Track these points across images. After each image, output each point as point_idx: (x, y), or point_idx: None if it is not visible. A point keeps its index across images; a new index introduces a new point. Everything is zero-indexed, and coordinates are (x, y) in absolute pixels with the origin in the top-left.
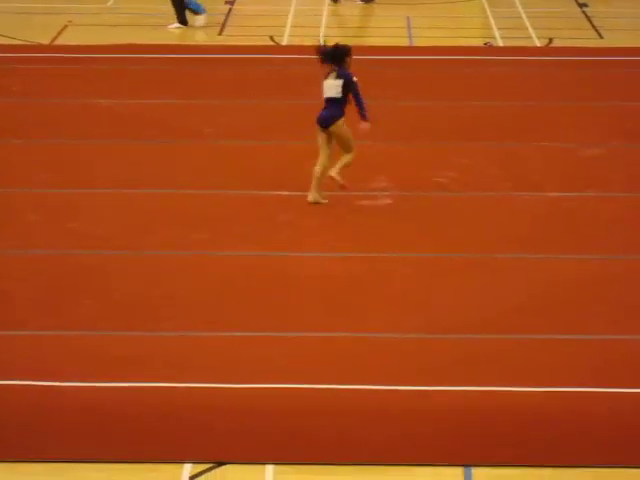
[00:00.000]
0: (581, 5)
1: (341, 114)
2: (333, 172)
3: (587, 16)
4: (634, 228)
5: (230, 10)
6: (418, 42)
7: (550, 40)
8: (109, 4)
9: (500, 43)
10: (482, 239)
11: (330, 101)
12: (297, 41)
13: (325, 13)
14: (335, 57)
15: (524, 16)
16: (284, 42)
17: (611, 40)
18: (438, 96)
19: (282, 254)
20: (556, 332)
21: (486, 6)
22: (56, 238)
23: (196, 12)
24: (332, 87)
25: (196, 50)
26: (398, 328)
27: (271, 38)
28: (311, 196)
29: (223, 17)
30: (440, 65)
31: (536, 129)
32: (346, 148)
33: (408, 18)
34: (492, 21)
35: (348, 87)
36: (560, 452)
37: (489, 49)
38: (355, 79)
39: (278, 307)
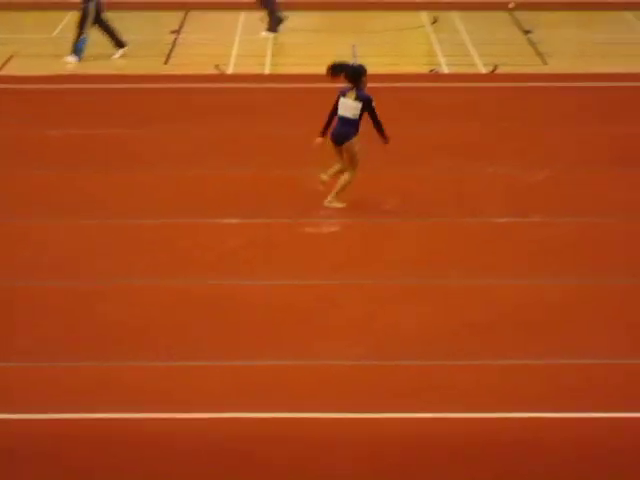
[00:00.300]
0: (526, 32)
1: (356, 132)
2: (325, 176)
3: (532, 42)
4: (580, 252)
5: (176, 39)
6: None
7: (495, 67)
8: (54, 34)
9: (445, 70)
10: (428, 265)
11: (345, 119)
12: (243, 70)
13: (271, 42)
14: (354, 76)
15: (469, 43)
16: (230, 71)
17: (556, 66)
18: (384, 122)
19: (228, 282)
20: (503, 357)
21: (431, 33)
22: None
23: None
24: (350, 108)
25: (142, 80)
26: (346, 355)
27: (216, 67)
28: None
29: (169, 47)
30: (386, 92)
31: (482, 155)
32: (350, 164)
33: (354, 46)
34: (437, 48)
35: (366, 109)
36: (510, 476)
37: (435, 76)
38: (374, 103)
39: (223, 336)
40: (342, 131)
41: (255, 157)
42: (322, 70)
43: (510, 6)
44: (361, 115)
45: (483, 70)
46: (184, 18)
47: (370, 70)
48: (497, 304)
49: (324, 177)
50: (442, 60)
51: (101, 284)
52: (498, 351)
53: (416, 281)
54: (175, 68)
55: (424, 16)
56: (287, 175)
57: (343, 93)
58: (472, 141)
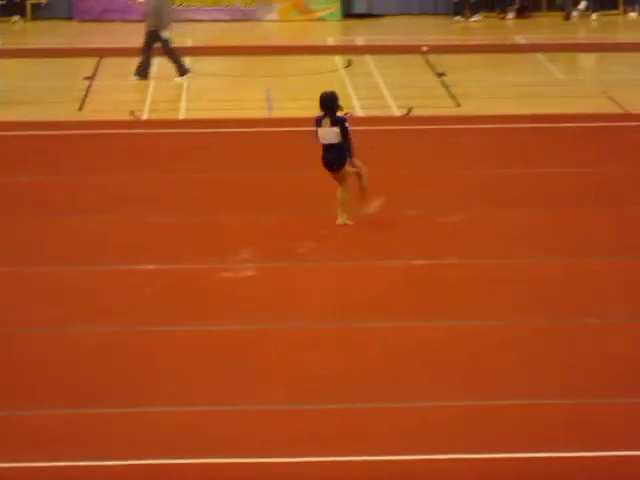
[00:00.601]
0: (439, 74)
1: (346, 156)
2: (341, 220)
3: (445, 85)
4: (492, 293)
5: (90, 86)
6: (278, 114)
7: (409, 109)
8: None
9: (360, 113)
10: (346, 308)
11: (331, 146)
12: (157, 115)
13: (185, 87)
14: (326, 105)
15: (383, 86)
16: (144, 116)
17: (468, 108)
18: (299, 166)
19: (147, 329)
20: (421, 399)
21: (345, 76)
22: None
23: None
24: (331, 134)
25: (56, 127)
26: (264, 400)
27: (131, 113)
28: (340, 219)
29: (83, 93)
30: (300, 135)
31: (395, 197)
32: (345, 185)
33: (268, 90)
34: (351, 91)
35: (344, 131)
36: None
37: (349, 119)
38: (347, 123)
39: (143, 382)
40: (334, 159)
41: (174, 203)
42: (237, 114)
43: (423, 49)
44: (345, 137)
45: (397, 112)
46: (97, 64)
47: (285, 114)
48: (414, 346)
49: (340, 221)
50: (356, 103)
51: (22, 331)
52: (417, 393)
53: (334, 324)
54: (90, 114)
55: (338, 60)
56: (205, 221)
57: (318, 122)
58: (386, 184)
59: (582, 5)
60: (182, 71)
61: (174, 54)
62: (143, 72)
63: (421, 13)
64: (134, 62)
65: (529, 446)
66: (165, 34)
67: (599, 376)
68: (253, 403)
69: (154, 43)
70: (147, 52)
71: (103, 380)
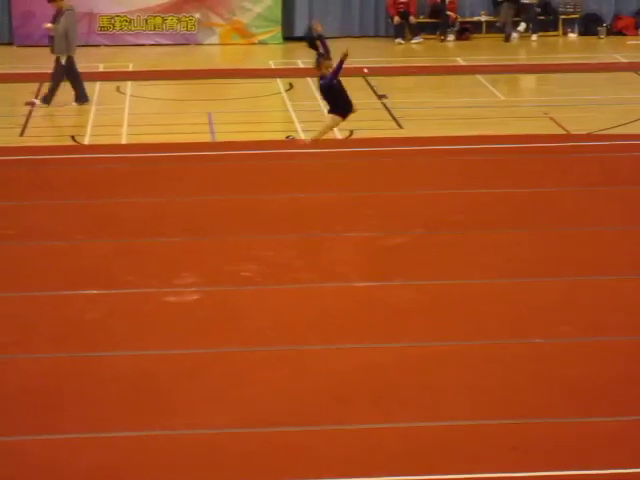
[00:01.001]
0: (380, 96)
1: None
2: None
3: (387, 107)
4: (436, 315)
5: (31, 111)
6: (220, 137)
7: (351, 132)
8: None
9: (302, 136)
10: (289, 331)
11: None
12: (99, 140)
13: (126, 112)
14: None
15: (325, 109)
16: (86, 141)
17: (411, 130)
18: (240, 190)
19: (88, 354)
20: (358, 422)
21: (287, 100)
22: None
23: None
24: None
25: None
26: (208, 424)
27: (73, 138)
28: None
29: (24, 118)
30: (241, 159)
31: (340, 219)
32: None
33: (209, 114)
34: (293, 114)
35: None
36: None
37: (291, 142)
38: None
39: (82, 408)
40: None
41: (114, 227)
42: (179, 138)
43: (364, 71)
44: None
45: (339, 135)
46: (39, 89)
47: (226, 138)
48: (358, 368)
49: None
50: (298, 126)
51: None
52: (360, 416)
53: (277, 347)
54: (31, 140)
55: (280, 83)
56: (145, 245)
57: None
58: (331, 204)
59: (521, 26)
60: (49, 98)
61: (77, 79)
62: (82, 96)
63: (362, 35)
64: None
65: (472, 467)
66: (64, 60)
67: (544, 396)
68: (195, 428)
69: (73, 65)
70: (72, 75)
71: (47, 406)
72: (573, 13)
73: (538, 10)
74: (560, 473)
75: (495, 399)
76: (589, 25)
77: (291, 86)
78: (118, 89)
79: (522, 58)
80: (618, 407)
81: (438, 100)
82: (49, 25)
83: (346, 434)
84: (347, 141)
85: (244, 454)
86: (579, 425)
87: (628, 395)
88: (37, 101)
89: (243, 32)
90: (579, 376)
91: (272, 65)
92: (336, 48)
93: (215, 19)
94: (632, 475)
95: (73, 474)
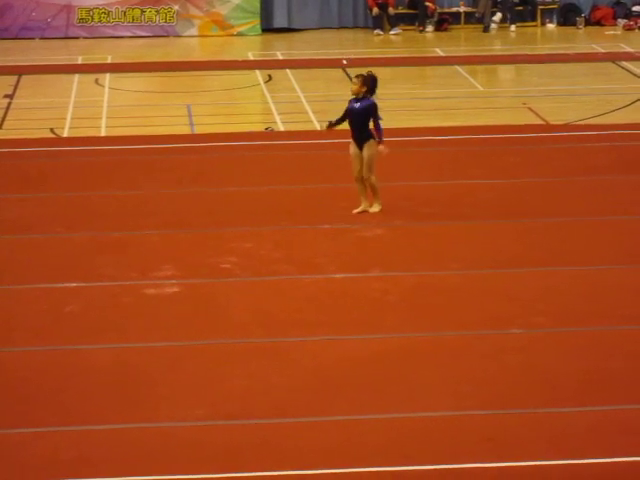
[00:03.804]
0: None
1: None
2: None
3: None
4: (415, 306)
5: (9, 104)
6: (199, 129)
7: (330, 122)
8: None
9: (281, 128)
10: (268, 323)
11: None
12: (78, 133)
13: (105, 104)
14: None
15: (304, 100)
16: (65, 134)
17: (389, 121)
18: (220, 182)
19: (68, 347)
20: (340, 413)
21: (266, 92)
22: None
23: None
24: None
25: None
26: (188, 416)
27: (52, 130)
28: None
29: (3, 111)
30: (221, 150)
31: (318, 211)
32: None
33: (188, 106)
34: (272, 106)
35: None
36: None
37: (270, 134)
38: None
39: (63, 400)
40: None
41: (94, 220)
42: (158, 131)
43: (343, 63)
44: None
45: (318, 127)
46: (17, 82)
47: (205, 130)
48: (337, 360)
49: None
50: (277, 118)
51: None
52: (342, 407)
53: (257, 340)
54: (9, 133)
55: (259, 75)
56: (125, 237)
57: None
58: (309, 196)
59: (497, 16)
60: None
61: None
62: None
63: (341, 27)
64: (54, 79)
65: (450, 457)
66: None
67: (521, 387)
68: (176, 420)
69: None
70: None
71: (27, 399)
72: (551, 3)
73: (516, 1)
74: (536, 463)
75: (472, 390)
76: (567, 15)
77: (270, 78)
78: (97, 81)
79: (500, 49)
80: (594, 398)
81: (417, 91)
82: None
83: (324, 426)
84: (323, 132)
85: (224, 446)
86: (555, 416)
87: (604, 386)
88: None
89: (222, 24)
90: (556, 367)
91: (251, 57)
92: (315, 39)
93: (194, 11)
94: (607, 465)
95: (54, 466)
